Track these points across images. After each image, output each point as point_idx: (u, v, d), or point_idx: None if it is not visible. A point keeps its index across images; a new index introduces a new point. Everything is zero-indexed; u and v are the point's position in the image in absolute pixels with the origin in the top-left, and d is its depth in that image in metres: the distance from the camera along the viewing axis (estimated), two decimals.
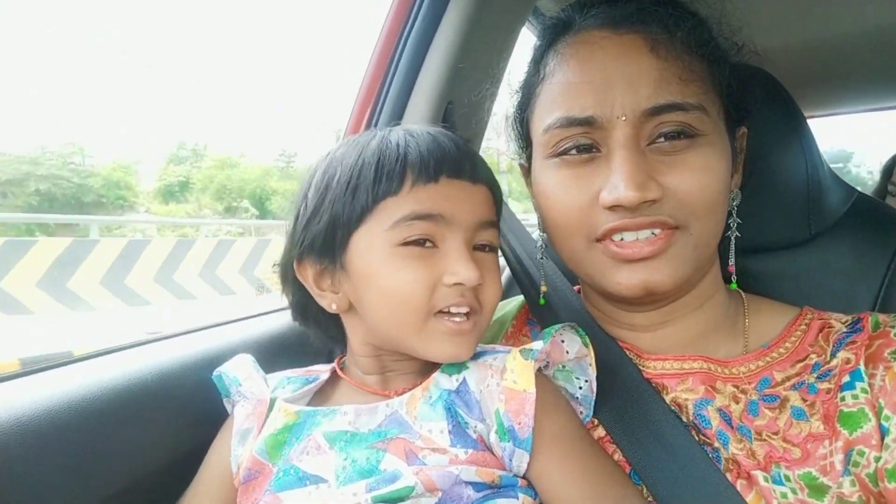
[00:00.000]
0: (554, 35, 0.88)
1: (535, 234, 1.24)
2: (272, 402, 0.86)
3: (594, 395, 0.84)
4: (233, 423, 0.87)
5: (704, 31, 0.83)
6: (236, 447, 0.85)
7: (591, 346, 0.82)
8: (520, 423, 0.74)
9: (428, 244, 0.78)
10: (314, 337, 0.96)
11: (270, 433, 0.81)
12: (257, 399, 0.86)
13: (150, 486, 0.86)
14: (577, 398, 0.84)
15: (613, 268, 0.81)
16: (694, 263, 0.81)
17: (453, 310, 0.77)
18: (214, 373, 0.91)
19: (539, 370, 0.80)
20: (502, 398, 0.76)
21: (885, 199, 2.90)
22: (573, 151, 0.81)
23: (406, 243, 0.77)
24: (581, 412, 0.84)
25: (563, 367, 0.83)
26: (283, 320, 1.19)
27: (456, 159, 0.80)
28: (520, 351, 0.78)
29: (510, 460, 0.75)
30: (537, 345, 0.78)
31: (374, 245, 0.78)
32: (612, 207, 0.77)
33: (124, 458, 0.83)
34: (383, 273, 0.78)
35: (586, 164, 0.81)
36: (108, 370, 0.87)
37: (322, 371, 0.92)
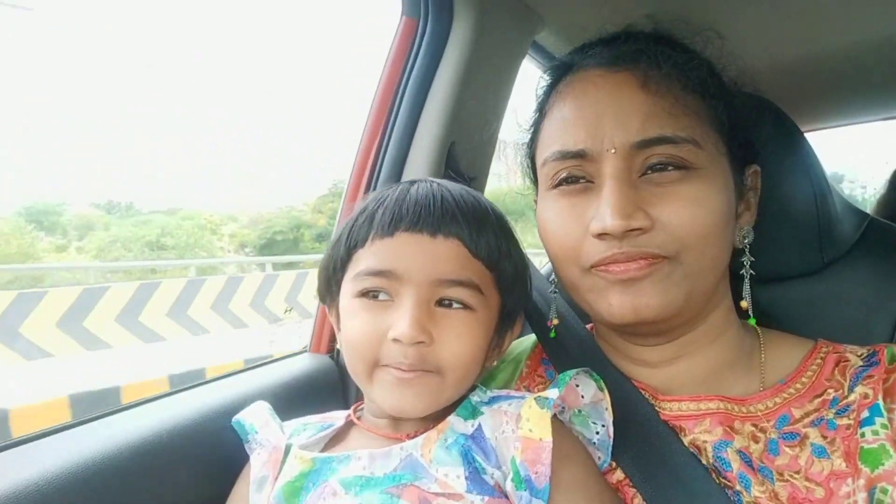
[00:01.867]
0: (556, 76, 0.92)
1: (545, 268, 1.24)
2: (287, 448, 0.86)
3: (611, 439, 0.82)
4: (251, 471, 0.87)
5: (698, 67, 0.84)
6: (254, 495, 0.85)
7: (606, 390, 0.81)
8: (536, 473, 0.73)
9: (383, 297, 0.79)
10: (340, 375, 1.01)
11: (287, 481, 0.81)
12: (273, 446, 0.87)
13: None
14: (594, 443, 0.82)
15: (605, 290, 0.82)
16: (686, 291, 0.80)
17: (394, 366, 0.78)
18: (234, 419, 0.92)
19: (555, 416, 0.79)
20: (518, 446, 0.75)
21: None
22: (568, 181, 0.84)
23: (362, 294, 0.81)
24: (598, 457, 0.83)
25: (579, 411, 0.82)
26: (295, 366, 1.20)
27: (418, 213, 0.80)
28: (535, 399, 0.78)
29: None
30: (552, 393, 0.78)
31: (346, 293, 0.83)
32: (600, 236, 0.79)
33: None
34: (344, 321, 0.83)
35: (581, 194, 0.83)
36: (127, 426, 0.88)
37: (338, 418, 0.93)
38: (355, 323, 0.80)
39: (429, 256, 0.79)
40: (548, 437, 0.74)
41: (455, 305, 0.80)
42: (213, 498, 0.90)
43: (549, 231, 0.87)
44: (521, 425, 0.76)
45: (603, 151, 0.80)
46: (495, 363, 0.92)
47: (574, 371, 0.80)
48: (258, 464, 0.86)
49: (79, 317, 8.22)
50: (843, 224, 1.05)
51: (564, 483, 0.75)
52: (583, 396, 0.81)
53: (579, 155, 0.82)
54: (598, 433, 0.82)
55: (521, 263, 0.89)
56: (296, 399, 1.05)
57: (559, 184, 0.85)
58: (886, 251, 1.05)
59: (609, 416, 0.81)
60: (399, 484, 0.75)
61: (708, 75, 0.85)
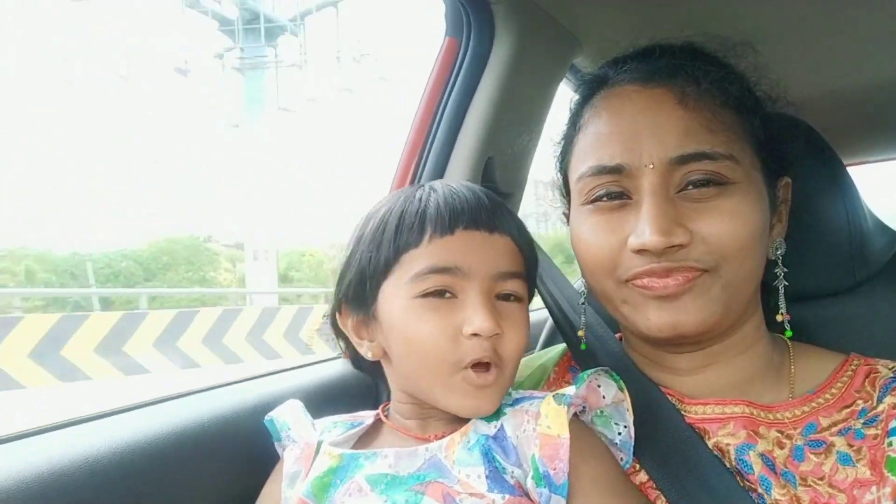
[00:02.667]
0: (590, 90, 0.93)
1: (577, 282, 1.26)
2: (319, 445, 0.88)
3: (633, 440, 0.83)
4: (283, 467, 0.89)
5: (735, 82, 0.85)
6: (286, 490, 0.87)
7: (626, 391, 0.82)
8: (555, 469, 0.74)
9: (448, 295, 0.80)
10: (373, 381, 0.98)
11: (317, 476, 0.83)
12: (305, 442, 0.89)
13: None
14: (617, 444, 0.84)
15: (643, 305, 0.82)
16: (724, 304, 0.81)
17: (479, 369, 0.78)
18: (266, 417, 0.95)
19: (576, 416, 0.81)
20: (537, 443, 0.76)
21: None
22: (605, 198, 0.85)
23: (425, 295, 0.80)
24: (621, 458, 0.84)
25: (602, 412, 0.84)
26: (330, 370, 1.23)
27: (473, 211, 0.82)
28: (553, 396, 0.79)
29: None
30: (570, 390, 0.79)
31: (397, 296, 0.81)
32: (639, 251, 0.79)
33: (186, 499, 0.87)
34: (405, 324, 0.80)
35: (617, 210, 0.84)
36: (160, 418, 0.91)
37: (367, 416, 0.94)
38: (423, 325, 0.79)
39: (489, 252, 0.81)
40: (565, 434, 0.75)
41: (511, 299, 0.83)
42: (243, 495, 0.92)
43: (584, 243, 0.88)
44: (539, 422, 0.78)
45: (641, 167, 0.81)
46: None
47: (592, 370, 0.82)
48: (291, 459, 0.89)
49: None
50: (876, 242, 1.05)
51: (584, 479, 0.76)
52: (604, 397, 0.82)
53: (616, 170, 0.82)
54: (620, 434, 0.83)
55: (536, 261, 0.92)
56: (328, 402, 1.07)
57: (595, 199, 0.86)
58: None
59: (630, 417, 0.83)
60: (423, 482, 0.77)
61: (743, 90, 0.86)
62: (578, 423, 0.81)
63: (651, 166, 0.80)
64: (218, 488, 0.92)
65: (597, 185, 0.85)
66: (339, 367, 1.25)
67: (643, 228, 0.78)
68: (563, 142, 0.97)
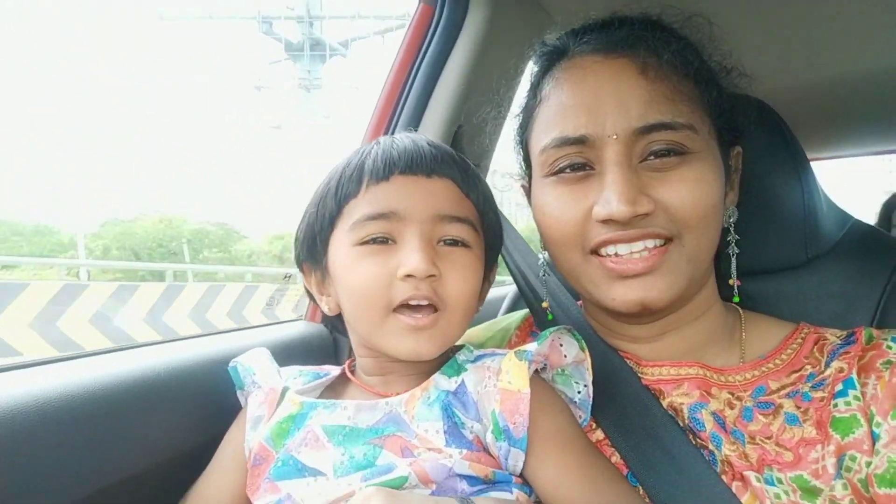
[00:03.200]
0: (550, 62, 0.93)
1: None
2: (284, 391, 0.89)
3: (591, 399, 0.85)
4: (247, 412, 0.90)
5: (692, 53, 0.87)
6: (249, 432, 0.87)
7: (587, 351, 0.84)
8: (514, 423, 0.75)
9: (389, 242, 0.81)
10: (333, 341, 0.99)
11: (277, 421, 0.84)
12: (269, 387, 0.89)
13: (163, 472, 0.89)
14: (576, 402, 0.85)
15: (609, 282, 0.83)
16: (688, 277, 0.83)
17: (412, 303, 0.79)
18: (230, 364, 0.95)
19: (537, 373, 0.82)
20: (497, 398, 0.77)
21: None
22: (568, 170, 0.85)
23: (364, 242, 0.81)
24: (580, 416, 0.86)
25: (563, 371, 0.85)
26: (291, 330, 1.23)
27: (411, 157, 0.83)
28: (515, 352, 0.80)
29: (506, 460, 0.77)
30: (531, 346, 0.80)
31: (341, 246, 0.83)
32: (605, 221, 0.80)
33: (140, 445, 0.86)
34: (347, 272, 0.82)
35: (581, 181, 0.84)
36: (127, 363, 0.91)
37: (334, 370, 0.95)
38: (360, 270, 0.80)
39: (427, 194, 0.82)
40: (525, 389, 0.76)
41: (455, 245, 0.83)
42: (207, 439, 0.93)
43: (547, 216, 0.88)
44: (500, 378, 0.79)
45: (604, 137, 0.81)
46: (478, 309, 0.94)
47: (555, 328, 0.83)
48: (255, 403, 0.89)
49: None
50: (828, 222, 1.08)
51: (543, 433, 0.78)
52: (566, 356, 0.83)
53: (580, 141, 0.83)
54: (579, 393, 0.85)
55: (498, 216, 0.93)
56: (290, 361, 1.07)
57: (559, 171, 0.86)
58: (867, 249, 1.08)
59: (589, 376, 0.84)
60: (382, 435, 0.77)
61: (701, 61, 0.88)
62: (538, 379, 0.82)
63: (615, 136, 0.81)
64: (177, 437, 0.93)
65: (560, 156, 0.85)
66: (302, 329, 1.25)
67: (609, 198, 0.79)
68: (522, 114, 0.97)
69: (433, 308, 0.80)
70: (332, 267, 0.85)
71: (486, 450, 0.78)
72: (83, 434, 0.79)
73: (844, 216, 1.14)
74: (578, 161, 0.84)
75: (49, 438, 0.75)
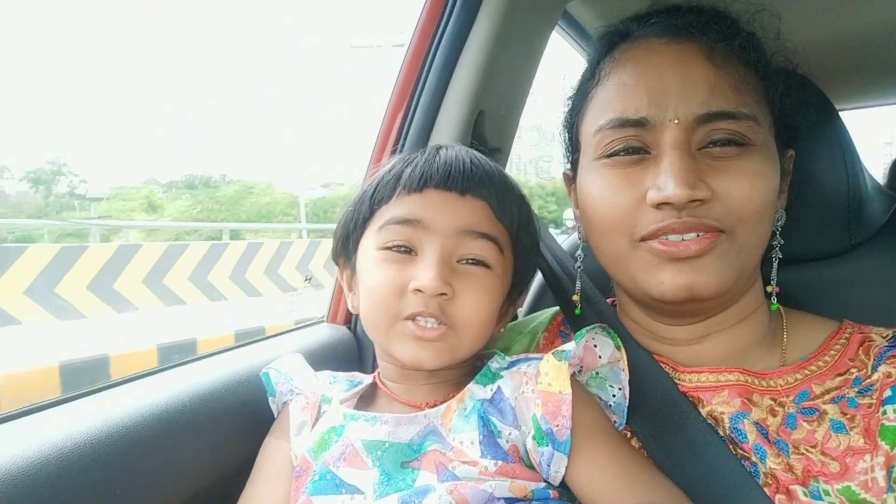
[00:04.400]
0: (610, 44, 0.89)
1: (565, 243, 1.24)
2: (324, 398, 0.88)
3: (627, 401, 0.83)
4: (287, 419, 0.88)
5: (759, 45, 0.83)
6: (294, 438, 0.86)
7: (623, 349, 0.82)
8: (558, 426, 0.74)
9: (411, 252, 0.80)
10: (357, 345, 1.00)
11: (321, 432, 0.83)
12: (310, 391, 0.89)
13: (203, 499, 0.87)
14: (611, 406, 0.84)
15: (657, 267, 0.80)
16: (737, 269, 0.80)
17: (419, 320, 0.78)
18: (264, 370, 0.94)
19: (573, 376, 0.80)
20: (538, 402, 0.76)
21: None
22: (622, 153, 0.82)
23: (387, 247, 0.81)
24: (615, 421, 0.84)
25: (597, 373, 0.83)
26: (314, 335, 1.21)
27: (447, 173, 0.82)
28: (553, 353, 0.79)
29: (548, 466, 0.75)
30: (569, 346, 0.79)
31: (367, 248, 0.85)
32: (660, 206, 0.77)
33: (169, 480, 0.83)
34: (367, 273, 0.83)
35: (635, 164, 0.81)
36: (150, 393, 0.86)
37: (366, 378, 0.94)
38: (377, 274, 0.81)
39: (455, 210, 0.81)
40: (567, 389, 0.75)
41: (476, 264, 0.81)
42: (239, 465, 0.90)
43: (597, 200, 0.84)
44: (539, 381, 0.77)
45: (665, 121, 0.78)
46: (501, 330, 0.93)
47: (589, 328, 0.81)
48: (297, 409, 0.88)
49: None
50: (873, 205, 1.03)
51: (584, 429, 0.76)
52: (600, 357, 0.82)
53: (639, 123, 0.80)
54: (614, 396, 0.83)
55: (536, 239, 0.92)
56: (316, 367, 1.06)
57: (613, 154, 0.82)
58: None
59: (625, 377, 0.82)
60: (420, 452, 0.76)
61: (766, 55, 0.84)
62: (575, 382, 0.80)
63: (676, 121, 0.78)
64: (207, 460, 0.90)
65: (615, 138, 0.82)
66: (324, 332, 1.23)
67: (666, 181, 0.76)
68: (575, 95, 0.93)
69: (441, 323, 0.79)
70: (359, 266, 0.86)
71: (521, 460, 0.76)
72: (108, 476, 0.75)
73: (891, 198, 1.08)
74: (634, 145, 0.81)
75: (90, 474, 0.72)
